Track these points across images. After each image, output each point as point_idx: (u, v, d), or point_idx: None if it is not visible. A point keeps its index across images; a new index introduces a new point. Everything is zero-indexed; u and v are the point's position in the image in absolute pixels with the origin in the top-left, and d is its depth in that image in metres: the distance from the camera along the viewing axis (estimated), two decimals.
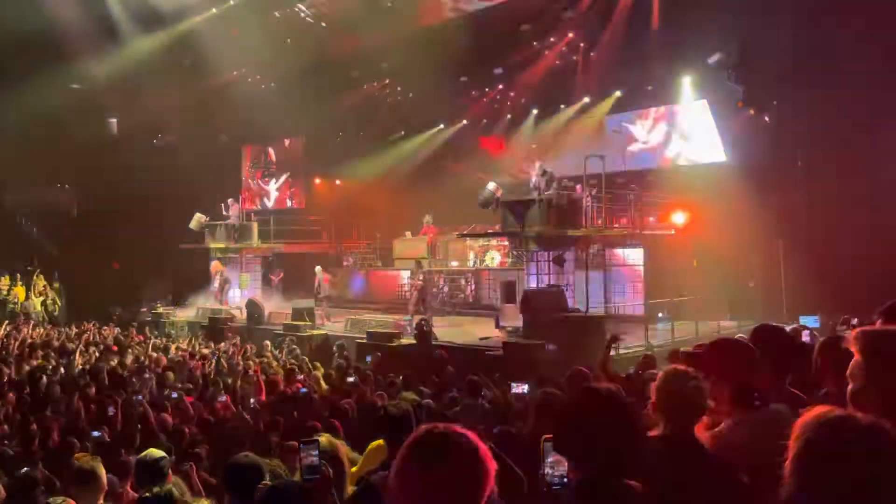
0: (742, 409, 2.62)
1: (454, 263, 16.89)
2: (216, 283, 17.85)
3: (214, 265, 18.39)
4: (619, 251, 14.75)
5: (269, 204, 24.27)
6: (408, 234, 17.83)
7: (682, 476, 2.13)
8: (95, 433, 6.10)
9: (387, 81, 20.57)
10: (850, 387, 2.00)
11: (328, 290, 16.86)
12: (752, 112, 14.52)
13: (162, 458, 3.76)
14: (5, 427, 6.93)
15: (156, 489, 3.22)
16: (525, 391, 5.45)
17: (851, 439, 1.50)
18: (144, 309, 18.73)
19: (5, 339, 13.98)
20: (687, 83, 15.82)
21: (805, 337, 5.21)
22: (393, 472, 1.69)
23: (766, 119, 14.27)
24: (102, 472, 4.21)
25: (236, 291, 18.75)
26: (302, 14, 19.11)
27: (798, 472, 1.53)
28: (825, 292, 11.45)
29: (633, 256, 14.67)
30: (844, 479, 1.48)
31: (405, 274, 17.23)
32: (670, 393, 2.46)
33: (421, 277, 15.04)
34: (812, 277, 11.98)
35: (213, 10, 19.43)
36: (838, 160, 12.25)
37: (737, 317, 13.47)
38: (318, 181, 23.46)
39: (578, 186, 13.45)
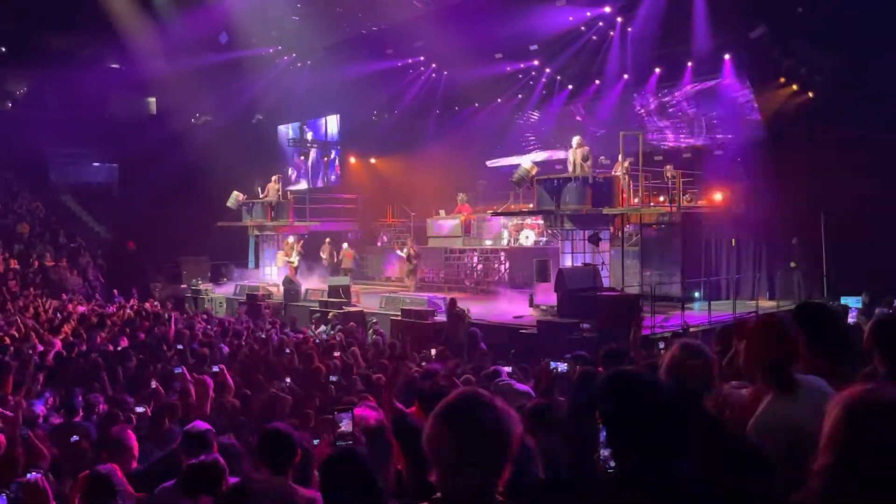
0: (776, 388, 2.60)
1: (488, 242, 16.88)
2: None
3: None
4: (654, 229, 14.61)
5: (305, 182, 24.45)
6: (442, 212, 17.85)
7: (693, 448, 2.12)
8: (139, 408, 6.26)
9: (421, 58, 20.50)
10: None
11: (350, 264, 17.36)
12: (794, 88, 14.20)
13: (207, 430, 3.84)
14: (54, 399, 7.14)
15: (202, 458, 3.28)
16: (564, 369, 5.43)
17: (889, 410, 1.48)
18: (184, 285, 19.05)
19: (54, 313, 14.42)
20: (727, 58, 15.47)
21: (851, 317, 5.13)
22: (425, 431, 1.72)
23: (811, 95, 13.95)
24: (133, 441, 4.35)
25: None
26: None
27: (835, 442, 1.51)
28: (869, 272, 11.21)
29: (670, 235, 14.52)
30: (882, 450, 1.46)
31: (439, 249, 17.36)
32: (676, 367, 2.45)
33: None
34: (856, 256, 11.74)
35: None
36: (883, 134, 11.87)
37: (776, 296, 13.30)
38: (352, 160, 23.57)
39: (617, 163, 13.35)
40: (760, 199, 13.22)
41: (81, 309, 15.32)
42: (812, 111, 13.76)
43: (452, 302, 11.80)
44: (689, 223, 14.04)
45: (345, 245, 17.88)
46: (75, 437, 5.20)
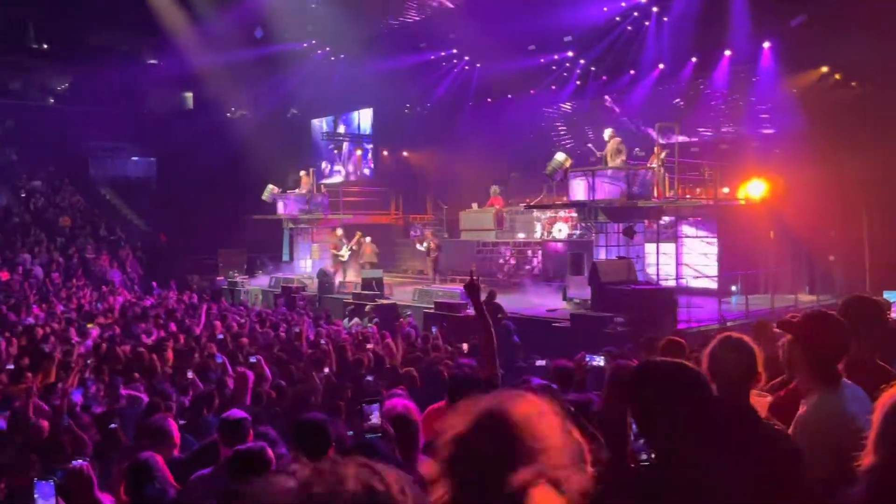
0: (823, 383, 2.57)
1: (521, 235, 16.84)
2: (343, 251, 17.95)
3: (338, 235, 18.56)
4: (691, 223, 14.47)
5: (339, 176, 24.61)
6: (474, 205, 17.85)
7: (730, 441, 2.11)
8: (183, 398, 6.39)
9: (454, 51, 20.49)
10: None
11: (370, 258, 17.48)
12: (836, 77, 13.90)
13: (244, 418, 3.89)
14: (96, 388, 7.30)
15: (251, 445, 3.32)
16: (601, 363, 5.43)
17: None
18: (221, 278, 19.31)
19: (95, 305, 14.77)
20: (766, 47, 15.19)
21: (893, 313, 5.02)
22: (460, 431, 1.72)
23: (854, 84, 13.63)
24: (175, 430, 4.43)
25: (307, 261, 19.19)
26: None
27: (882, 441, 1.50)
28: None
29: (707, 228, 14.36)
30: None
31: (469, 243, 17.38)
32: (718, 360, 2.44)
33: (434, 244, 15.90)
34: (891, 252, 11.48)
35: None
36: None
37: (816, 291, 13.09)
38: (385, 153, 23.66)
39: (652, 155, 13.22)
40: (799, 191, 12.98)
41: (121, 300, 15.65)
42: (854, 102, 13.45)
43: (491, 294, 11.57)
44: (727, 216, 13.85)
45: (367, 238, 17.86)
46: (115, 425, 5.32)
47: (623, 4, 16.94)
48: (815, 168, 12.75)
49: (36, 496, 2.82)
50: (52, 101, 26.48)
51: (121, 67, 23.23)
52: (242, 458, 3.12)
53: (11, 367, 8.23)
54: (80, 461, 3.18)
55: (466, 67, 20.74)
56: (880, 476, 1.49)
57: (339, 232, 18.06)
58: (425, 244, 16.97)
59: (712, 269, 13.77)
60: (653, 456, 2.10)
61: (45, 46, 25.13)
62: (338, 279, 16.43)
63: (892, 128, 11.93)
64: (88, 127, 23.23)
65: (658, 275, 12.70)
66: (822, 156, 12.82)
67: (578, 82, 19.26)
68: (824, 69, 14.18)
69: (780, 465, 2.14)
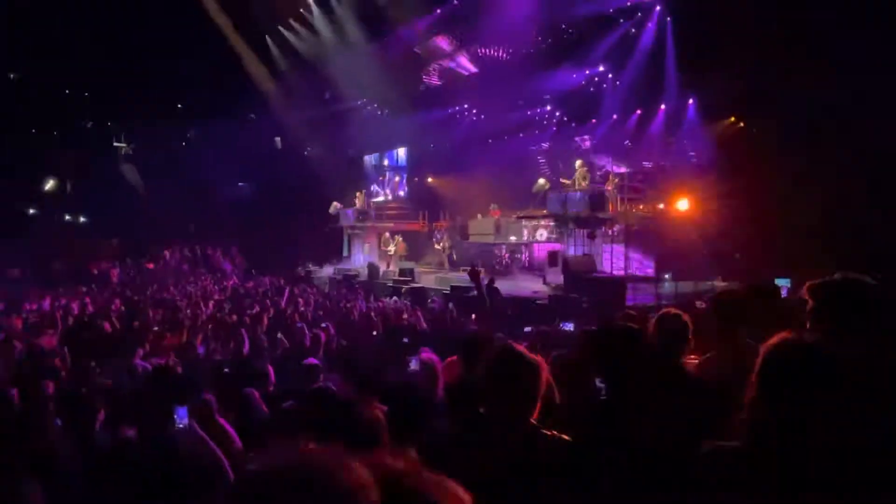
0: (722, 343, 2.57)
1: (513, 238, 16.79)
2: (390, 248, 17.87)
3: (385, 237, 18.61)
4: (636, 229, 14.32)
5: (382, 196, 24.68)
6: (479, 216, 17.81)
7: (664, 384, 2.12)
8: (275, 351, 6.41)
9: (465, 106, 20.46)
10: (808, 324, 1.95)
11: (402, 252, 17.68)
12: (741, 124, 13.70)
13: (316, 365, 3.92)
14: (214, 345, 7.35)
15: (315, 386, 3.36)
16: (571, 328, 5.44)
17: (796, 353, 1.45)
18: (298, 267, 19.45)
19: (214, 286, 14.91)
20: (690, 103, 14.93)
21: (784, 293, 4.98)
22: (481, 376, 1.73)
23: (742, 124, 13.39)
24: (270, 372, 4.42)
25: (360, 256, 19.27)
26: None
27: (759, 380, 1.47)
28: (793, 261, 10.74)
29: (647, 233, 14.20)
30: (791, 386, 1.42)
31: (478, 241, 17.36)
32: (661, 328, 2.44)
33: (448, 244, 16.10)
34: (781, 249, 11.24)
35: (346, 60, 19.86)
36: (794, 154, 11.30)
37: (727, 279, 12.87)
38: (415, 179, 23.66)
39: (608, 180, 13.14)
40: (714, 205, 12.80)
41: (231, 284, 15.83)
42: (744, 136, 13.24)
43: (491, 280, 11.19)
44: (661, 224, 13.68)
45: (398, 238, 18.21)
46: (227, 370, 5.39)
47: (587, 72, 16.84)
48: (724, 188, 12.57)
49: (175, 418, 2.87)
50: (184, 144, 26.79)
51: (230, 120, 23.41)
52: (314, 394, 3.17)
53: (156, 328, 8.40)
54: (206, 393, 3.22)
55: (474, 118, 20.69)
56: (758, 405, 1.47)
57: (387, 235, 18.34)
58: (442, 244, 17.09)
59: (650, 263, 13.65)
60: (608, 393, 2.11)
61: (180, 106, 25.41)
62: (382, 268, 16.49)
63: (771, 156, 11.71)
64: (209, 162, 23.46)
65: (612, 267, 12.63)
66: (730, 179, 12.63)
67: (555, 128, 19.15)
68: (732, 119, 13.97)
69: (696, 402, 2.16)
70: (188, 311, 10.17)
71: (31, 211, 23.12)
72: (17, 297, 12.54)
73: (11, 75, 23.97)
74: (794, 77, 10.75)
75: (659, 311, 2.65)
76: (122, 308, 10.84)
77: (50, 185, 24.42)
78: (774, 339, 1.50)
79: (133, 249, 21.67)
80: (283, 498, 0.68)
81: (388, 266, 16.85)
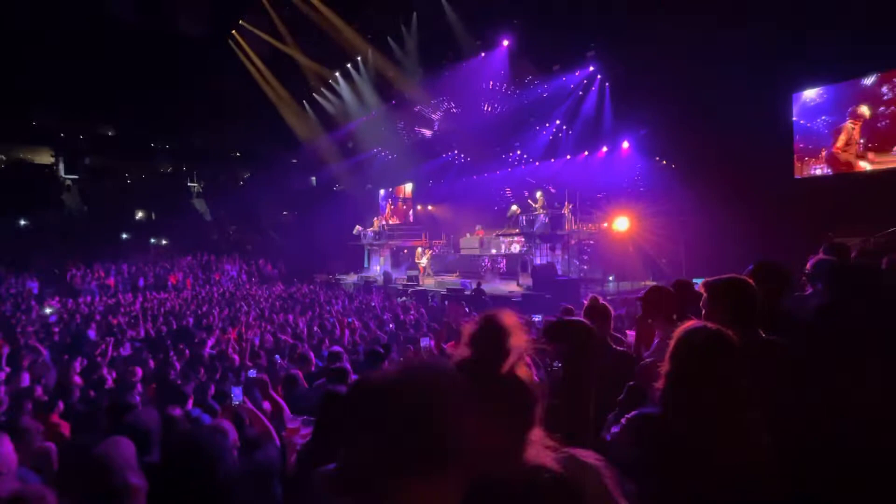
0: (665, 325, 2.54)
1: (493, 251, 16.74)
2: (423, 261, 16.81)
3: (418, 251, 18.00)
4: (587, 241, 14.33)
5: (394, 220, 24.64)
6: (468, 235, 17.78)
7: (598, 355, 2.10)
8: (313, 341, 6.29)
9: (455, 152, 20.51)
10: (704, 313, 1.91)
11: (425, 263, 17.17)
12: (664, 162, 13.78)
13: (340, 351, 3.87)
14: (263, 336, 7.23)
15: (337, 366, 3.31)
16: (539, 319, 5.40)
17: (697, 337, 1.37)
18: (331, 276, 19.33)
19: (265, 290, 14.71)
20: (626, 146, 14.94)
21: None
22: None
23: (665, 162, 13.46)
24: (311, 356, 4.36)
25: (377, 267, 19.13)
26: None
27: (669, 360, 1.41)
28: (706, 264, 10.75)
29: (596, 245, 14.22)
30: (695, 366, 1.33)
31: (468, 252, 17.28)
32: (592, 313, 2.45)
33: (428, 254, 15.62)
34: (694, 254, 11.27)
35: (364, 118, 19.93)
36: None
37: (654, 279, 12.86)
38: (419, 207, 23.65)
39: (564, 205, 13.14)
40: (647, 223, 12.82)
41: (278, 289, 15.69)
42: (667, 174, 13.30)
43: (478, 283, 11.49)
44: (605, 238, 13.72)
45: (428, 252, 17.48)
46: (277, 357, 5.31)
47: (547, 125, 16.96)
48: (652, 209, 12.62)
49: (232, 395, 2.81)
50: (241, 183, 26.77)
51: (276, 164, 23.42)
52: (336, 372, 3.14)
53: (220, 325, 8.31)
54: (253, 371, 3.16)
55: (461, 159, 20.73)
56: (670, 379, 1.39)
57: (419, 250, 17.65)
58: (424, 259, 16.47)
59: (598, 268, 13.64)
60: (559, 366, 2.08)
61: (237, 154, 25.41)
62: (416, 275, 15.74)
63: (684, 185, 11.75)
64: (260, 197, 23.46)
65: (569, 271, 12.61)
66: (656, 202, 12.69)
67: (523, 167, 19.18)
68: (657, 158, 14.03)
69: (620, 368, 2.14)
70: (245, 310, 10.08)
71: (125, 236, 22.98)
72: (113, 301, 12.41)
73: (110, 132, 24.01)
74: (690, 131, 11.01)
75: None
76: (195, 308, 10.73)
77: (140, 215, 24.31)
78: (685, 325, 1.44)
79: (202, 264, 21.53)
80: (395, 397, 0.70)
81: (422, 273, 16.52)
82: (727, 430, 1.29)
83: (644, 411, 1.44)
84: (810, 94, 10.80)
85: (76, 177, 23.26)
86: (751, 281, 1.94)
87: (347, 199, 22.64)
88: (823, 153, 10.65)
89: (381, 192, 25.23)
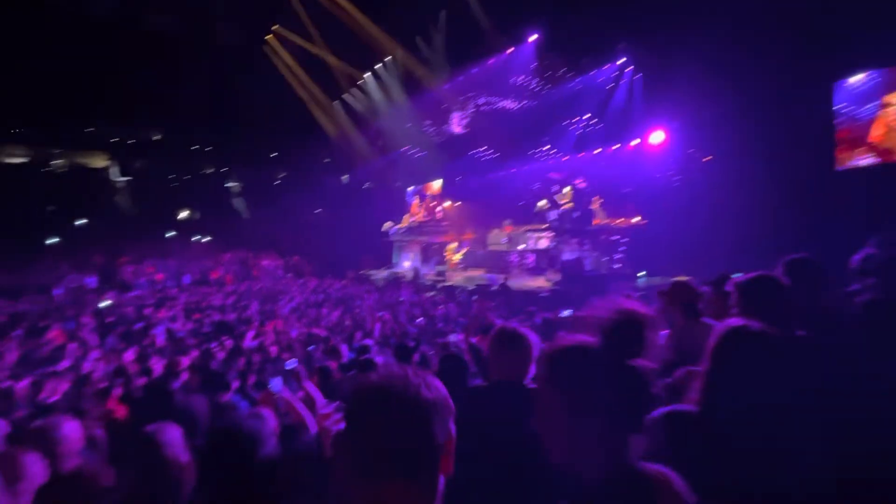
0: (685, 319, 2.50)
1: (521, 246, 16.59)
2: (455, 257, 17.21)
3: (448, 248, 18.27)
4: (618, 237, 13.92)
5: (422, 216, 24.71)
6: (496, 230, 17.66)
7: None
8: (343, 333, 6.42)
9: (484, 147, 20.36)
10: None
11: (457, 259, 17.23)
12: (692, 151, 13.16)
13: (369, 345, 3.93)
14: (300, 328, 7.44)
15: (366, 357, 3.35)
16: (569, 314, 5.33)
17: (740, 336, 1.33)
18: (360, 271, 19.62)
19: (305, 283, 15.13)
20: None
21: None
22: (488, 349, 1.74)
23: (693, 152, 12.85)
24: (344, 349, 4.44)
25: (406, 263, 19.30)
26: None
27: (709, 358, 1.35)
28: (743, 259, 10.18)
29: (626, 240, 13.79)
30: (739, 363, 1.30)
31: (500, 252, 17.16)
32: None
33: (464, 250, 15.33)
34: (734, 251, 10.67)
35: (393, 117, 20.11)
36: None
37: (686, 275, 12.28)
38: (447, 203, 23.62)
39: (593, 199, 12.85)
40: (672, 218, 12.23)
41: (313, 283, 16.10)
42: (703, 168, 12.66)
43: (504, 279, 11.33)
44: (637, 232, 13.30)
45: (458, 247, 17.80)
46: (312, 347, 5.46)
47: (576, 119, 16.57)
48: (690, 202, 12.02)
49: (270, 385, 2.90)
50: (277, 182, 27.49)
51: (312, 163, 23.95)
52: (363, 363, 3.19)
53: (259, 319, 8.59)
54: (293, 361, 3.24)
55: (489, 155, 20.52)
56: (710, 377, 1.35)
57: (452, 245, 17.78)
58: (458, 255, 16.49)
59: (628, 263, 13.20)
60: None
61: (273, 154, 26.16)
62: (446, 270, 15.99)
63: (725, 180, 11.09)
64: (295, 195, 24.03)
65: (598, 266, 12.34)
66: (693, 195, 12.07)
67: (550, 161, 18.79)
68: (692, 150, 13.34)
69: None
70: (282, 304, 10.39)
71: (170, 234, 24.15)
72: (161, 295, 13.12)
73: (153, 137, 25.23)
74: (726, 121, 10.45)
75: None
76: (235, 302, 11.17)
77: (183, 214, 25.47)
78: (728, 323, 1.38)
79: (241, 261, 22.34)
80: (379, 404, 0.74)
81: (454, 268, 16.58)
82: (770, 431, 1.23)
83: (677, 409, 1.39)
84: (856, 79, 10.10)
85: (128, 179, 24.63)
86: (783, 278, 1.88)
87: (377, 197, 22.92)
88: (867, 142, 9.98)
89: (410, 188, 25.39)
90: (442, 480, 0.77)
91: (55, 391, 4.23)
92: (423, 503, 0.75)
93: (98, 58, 17.53)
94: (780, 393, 1.25)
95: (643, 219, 13.95)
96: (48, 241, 20.45)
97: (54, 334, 7.43)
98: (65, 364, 5.50)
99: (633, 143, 15.12)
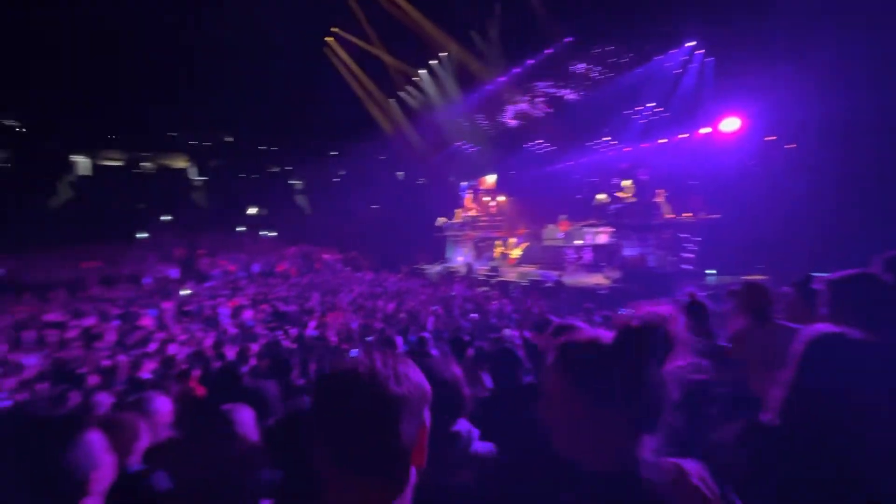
0: (757, 322, 2.30)
1: (578, 241, 16.07)
2: (513, 252, 17.14)
3: (509, 241, 18.24)
4: (685, 233, 13.07)
5: (474, 212, 24.64)
6: (551, 226, 17.23)
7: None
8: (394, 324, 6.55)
9: (540, 141, 19.91)
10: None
11: (517, 255, 17.06)
12: (771, 138, 11.99)
13: (429, 337, 3.96)
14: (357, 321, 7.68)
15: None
16: (628, 313, 5.09)
17: (841, 343, 1.22)
18: (417, 265, 19.97)
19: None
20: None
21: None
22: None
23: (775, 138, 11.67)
24: (400, 341, 4.52)
25: (460, 258, 19.34)
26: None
27: (795, 367, 1.24)
28: (828, 256, 9.14)
29: (695, 235, 12.89)
30: (826, 371, 1.19)
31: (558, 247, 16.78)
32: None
33: (524, 245, 14.97)
34: (818, 247, 9.65)
35: (448, 112, 20.16)
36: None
37: (761, 273, 11.28)
38: (502, 197, 23.40)
39: (658, 192, 12.14)
40: (745, 212, 11.24)
41: (368, 278, 16.59)
42: (783, 157, 11.51)
43: (559, 276, 11.06)
44: (702, 227, 12.38)
45: (519, 242, 17.61)
46: (371, 338, 5.62)
47: (639, 108, 15.68)
48: (768, 194, 11.02)
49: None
50: (337, 179, 28.58)
51: (365, 161, 24.60)
52: (420, 354, 3.21)
53: (320, 310, 8.97)
54: (355, 351, 3.34)
55: (545, 148, 20.04)
56: (793, 384, 1.25)
57: (512, 240, 17.54)
58: (517, 250, 16.28)
59: (696, 260, 12.35)
60: None
61: (335, 153, 27.17)
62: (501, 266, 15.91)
63: (807, 170, 10.01)
64: (354, 192, 24.82)
65: (663, 263, 11.66)
66: (771, 186, 11.04)
67: (610, 152, 17.96)
68: (771, 137, 12.22)
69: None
70: (342, 296, 10.81)
71: (240, 228, 25.99)
72: (233, 286, 14.16)
73: (226, 138, 27.22)
74: (808, 106, 9.35)
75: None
76: (298, 294, 11.78)
77: (252, 210, 27.32)
78: (817, 328, 1.28)
79: (305, 254, 23.55)
80: (342, 400, 0.71)
81: (513, 264, 16.53)
82: (857, 447, 1.12)
83: (757, 421, 1.30)
84: None
85: (204, 178, 26.85)
86: (883, 276, 1.66)
87: (431, 192, 23.16)
88: None
89: (464, 184, 25.40)
90: (413, 472, 0.74)
91: (146, 370, 4.75)
92: (389, 495, 0.73)
93: (176, 71, 19.38)
94: (879, 407, 1.12)
95: (713, 213, 12.98)
96: (138, 235, 22.81)
97: (146, 321, 8.28)
98: (153, 347, 6.12)
99: (703, 131, 14.11)
